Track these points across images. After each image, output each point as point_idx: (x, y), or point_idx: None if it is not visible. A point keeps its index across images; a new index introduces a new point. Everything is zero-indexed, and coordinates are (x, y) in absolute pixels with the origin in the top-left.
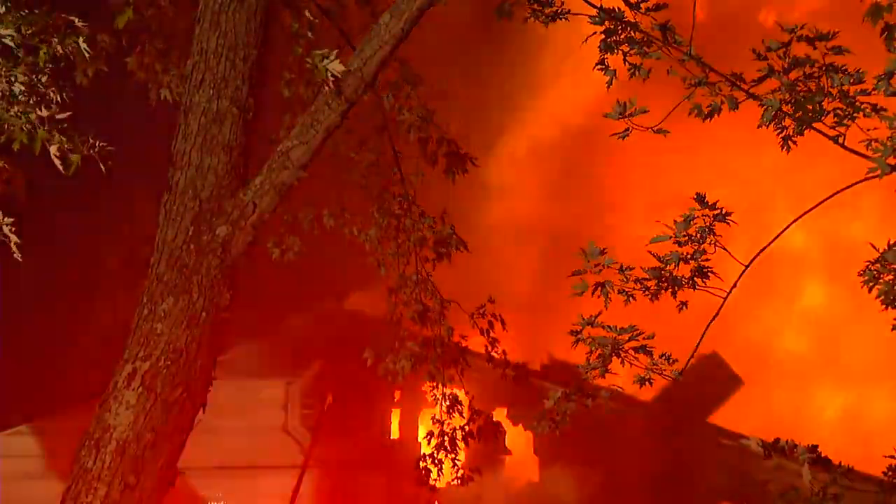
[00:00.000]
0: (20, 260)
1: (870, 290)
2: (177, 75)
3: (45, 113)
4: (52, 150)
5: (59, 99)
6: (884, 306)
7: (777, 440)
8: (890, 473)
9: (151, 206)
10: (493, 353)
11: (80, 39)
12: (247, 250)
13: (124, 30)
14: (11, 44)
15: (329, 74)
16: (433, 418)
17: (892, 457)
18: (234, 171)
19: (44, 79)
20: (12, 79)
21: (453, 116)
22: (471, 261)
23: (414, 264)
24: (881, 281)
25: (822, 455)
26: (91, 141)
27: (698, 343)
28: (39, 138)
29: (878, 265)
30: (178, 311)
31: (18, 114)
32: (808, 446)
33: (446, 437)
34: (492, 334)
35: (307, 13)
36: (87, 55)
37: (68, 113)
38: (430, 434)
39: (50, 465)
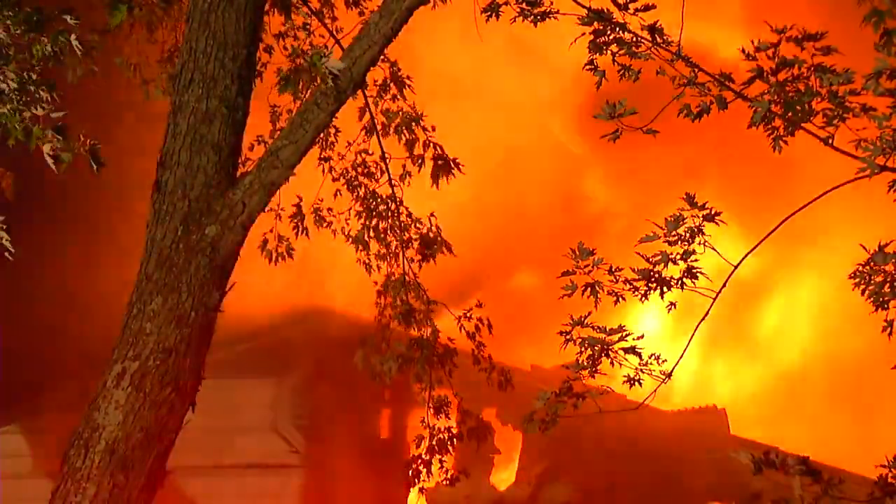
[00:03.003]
0: (11, 259)
1: (863, 293)
2: (167, 75)
3: (39, 112)
4: (46, 148)
5: (48, 98)
6: (874, 308)
7: (767, 452)
8: (881, 482)
9: (145, 206)
10: (479, 357)
11: (73, 37)
12: (237, 250)
13: (114, 30)
14: (5, 36)
15: (328, 72)
16: (422, 421)
17: (884, 466)
18: (224, 170)
19: (34, 77)
20: (2, 77)
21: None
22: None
23: (401, 265)
24: (872, 282)
25: (813, 467)
26: (82, 139)
27: (688, 344)
28: (34, 136)
29: (867, 267)
30: (167, 310)
31: (12, 111)
32: (798, 458)
33: (435, 439)
34: (478, 338)
35: (298, 13)
36: (79, 51)
37: (63, 112)
38: (419, 437)
39: (39, 465)
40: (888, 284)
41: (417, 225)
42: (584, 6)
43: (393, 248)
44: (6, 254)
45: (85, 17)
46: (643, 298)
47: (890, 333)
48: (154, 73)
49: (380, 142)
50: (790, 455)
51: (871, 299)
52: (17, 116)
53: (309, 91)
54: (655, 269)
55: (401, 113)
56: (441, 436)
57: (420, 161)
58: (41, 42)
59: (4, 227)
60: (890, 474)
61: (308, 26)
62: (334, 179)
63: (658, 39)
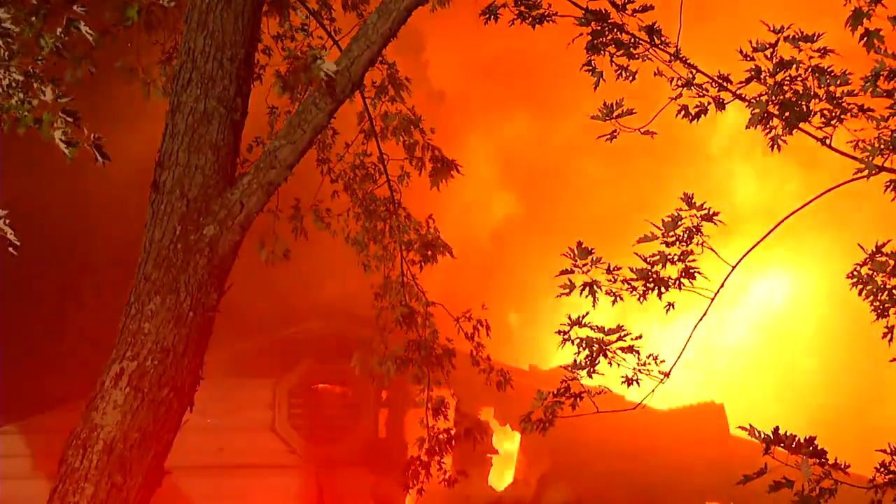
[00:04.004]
0: (16, 254)
1: (860, 293)
2: (166, 75)
3: (49, 97)
4: (57, 134)
5: (53, 90)
6: (876, 317)
7: (777, 429)
8: (883, 470)
9: (142, 206)
10: (477, 358)
11: (81, 24)
12: (235, 250)
13: (109, 30)
14: (12, 26)
15: (322, 75)
16: (420, 421)
17: (884, 451)
18: (222, 170)
19: (37, 71)
20: (5, 72)
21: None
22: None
23: (399, 267)
24: (870, 283)
25: (819, 448)
26: (86, 133)
27: (686, 344)
28: (46, 121)
29: (866, 267)
30: (165, 310)
31: (19, 102)
32: (806, 438)
33: (433, 440)
34: (476, 339)
35: (296, 14)
36: (90, 38)
37: (72, 98)
38: (420, 439)
39: (37, 465)
40: (886, 292)
41: (417, 226)
42: (580, 7)
43: (391, 250)
44: (11, 248)
45: (84, 19)
46: (641, 298)
47: (890, 340)
48: (154, 73)
49: (378, 144)
50: None
51: (870, 300)
52: (26, 106)
53: (307, 91)
54: (653, 270)
55: (398, 115)
56: (440, 436)
57: (420, 164)
58: (46, 35)
59: (8, 221)
60: (893, 461)
61: (306, 28)
62: (332, 181)
63: (656, 41)
